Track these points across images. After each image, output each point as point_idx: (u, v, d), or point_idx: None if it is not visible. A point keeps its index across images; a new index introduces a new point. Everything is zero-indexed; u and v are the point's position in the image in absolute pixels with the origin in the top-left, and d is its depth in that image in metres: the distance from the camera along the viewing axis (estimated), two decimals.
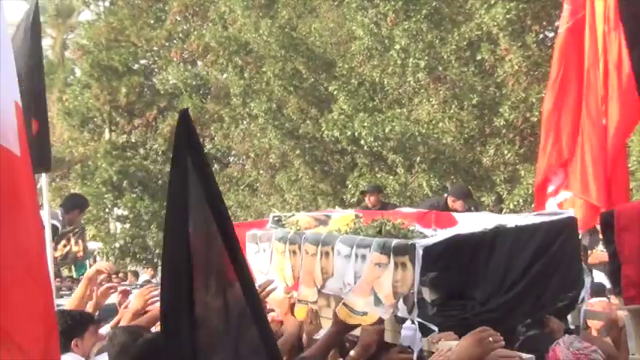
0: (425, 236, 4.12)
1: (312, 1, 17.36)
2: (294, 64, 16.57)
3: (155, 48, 22.24)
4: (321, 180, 17.16)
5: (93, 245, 20.55)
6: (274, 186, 18.32)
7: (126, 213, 21.83)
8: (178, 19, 21.71)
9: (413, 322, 3.75)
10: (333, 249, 4.33)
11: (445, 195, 9.17)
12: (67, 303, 4.82)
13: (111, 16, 22.46)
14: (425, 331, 3.69)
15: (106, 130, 22.82)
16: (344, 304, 3.96)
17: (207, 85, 20.82)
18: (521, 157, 15.06)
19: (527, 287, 3.99)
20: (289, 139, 16.96)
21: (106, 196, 21.27)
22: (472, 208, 9.00)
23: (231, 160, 22.09)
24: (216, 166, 20.97)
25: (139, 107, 22.42)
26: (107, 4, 23.93)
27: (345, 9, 16.27)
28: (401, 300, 3.83)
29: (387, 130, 14.99)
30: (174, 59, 21.46)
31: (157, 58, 22.41)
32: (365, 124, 15.05)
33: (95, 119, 22.65)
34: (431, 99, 15.43)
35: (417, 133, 15.06)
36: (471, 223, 4.41)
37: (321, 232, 4.63)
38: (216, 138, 20.45)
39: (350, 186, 16.05)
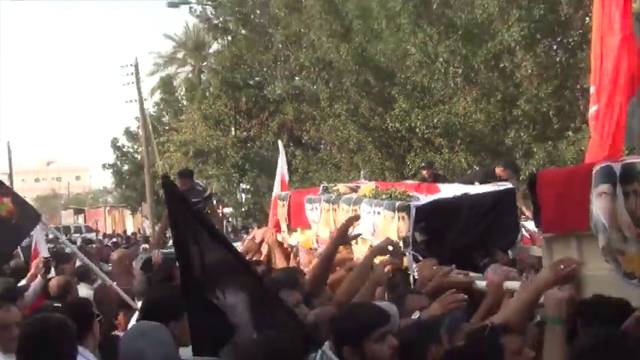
0: (418, 200, 4.91)
1: (377, 30, 18.31)
2: (365, 75, 17.84)
3: (265, 68, 24.68)
4: (387, 159, 18.08)
5: (226, 210, 25.97)
6: (353, 165, 18.96)
7: (248, 187, 25.15)
8: (281, 46, 23.91)
9: (409, 254, 4.53)
10: (359, 207, 5.09)
11: (493, 166, 9.72)
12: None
13: (233, 46, 25.09)
14: (417, 260, 4.48)
15: (232, 128, 25.18)
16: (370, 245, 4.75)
17: (303, 94, 22.43)
18: (534, 137, 15.92)
19: (483, 233, 4.76)
20: (363, 130, 17.88)
21: (234, 175, 23.90)
22: (515, 176, 9.19)
23: (321, 147, 23.12)
24: (311, 152, 22.80)
25: (255, 111, 24.79)
26: (230, 37, 26.04)
27: (401, 34, 17.36)
28: (401, 241, 4.60)
29: (434, 121, 16.18)
30: (279, 76, 23.68)
31: (266, 76, 24.70)
32: (419, 117, 16.31)
33: (224, 121, 25.09)
34: (466, 97, 16.46)
35: (456, 123, 16.19)
36: (449, 191, 5.17)
37: (352, 197, 5.43)
38: (310, 132, 22.12)
39: (408, 163, 17.23)
